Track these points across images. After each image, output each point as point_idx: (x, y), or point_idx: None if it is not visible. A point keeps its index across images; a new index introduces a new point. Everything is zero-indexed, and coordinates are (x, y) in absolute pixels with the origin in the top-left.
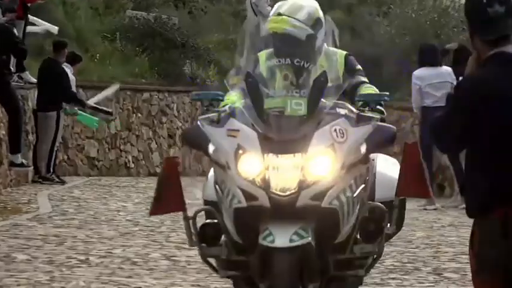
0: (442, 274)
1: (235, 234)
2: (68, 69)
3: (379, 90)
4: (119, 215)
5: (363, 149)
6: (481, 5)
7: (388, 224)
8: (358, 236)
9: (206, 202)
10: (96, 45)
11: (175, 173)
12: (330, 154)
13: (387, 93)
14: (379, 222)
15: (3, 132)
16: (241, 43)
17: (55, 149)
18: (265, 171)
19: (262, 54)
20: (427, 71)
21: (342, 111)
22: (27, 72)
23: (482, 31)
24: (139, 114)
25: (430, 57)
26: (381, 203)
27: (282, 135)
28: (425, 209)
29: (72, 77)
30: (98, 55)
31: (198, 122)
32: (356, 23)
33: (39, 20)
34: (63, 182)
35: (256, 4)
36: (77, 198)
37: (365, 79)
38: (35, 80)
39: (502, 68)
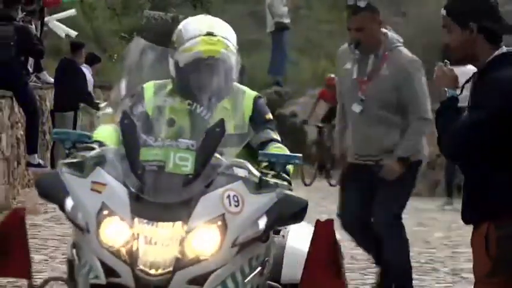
0: (459, 274)
1: None
2: (87, 70)
3: None
4: None
5: (262, 223)
6: (492, 3)
7: None
8: None
9: (69, 262)
10: (114, 45)
11: (22, 228)
12: (219, 227)
13: (299, 155)
14: None
15: (21, 133)
16: (125, 67)
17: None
18: (134, 241)
19: (150, 86)
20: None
21: (241, 173)
22: (44, 72)
23: (499, 29)
24: None
25: None
26: (289, 285)
27: (159, 197)
28: (444, 209)
29: (90, 78)
30: (115, 55)
31: (58, 169)
32: None
33: (59, 24)
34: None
35: (271, 4)
36: None
37: (276, 135)
38: (52, 80)
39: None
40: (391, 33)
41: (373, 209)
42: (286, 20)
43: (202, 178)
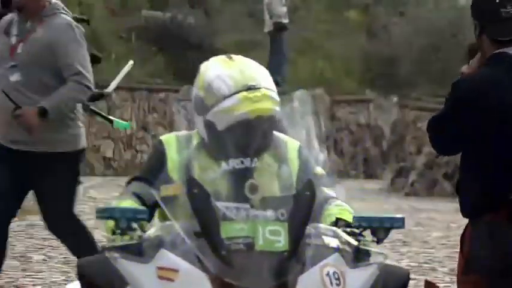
0: None
1: None
2: None
3: (395, 92)
4: None
5: None
6: (494, 5)
7: None
8: None
9: None
10: (112, 45)
11: None
12: None
13: (403, 216)
14: None
15: None
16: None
17: None
18: None
19: (172, 141)
20: None
21: (333, 242)
22: None
23: (494, 31)
24: (155, 114)
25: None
26: None
27: (251, 282)
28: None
29: None
30: (113, 55)
31: (106, 253)
32: (372, 23)
33: None
34: (79, 182)
35: (269, 4)
36: (93, 198)
37: (331, 191)
38: None
39: (503, 68)
40: (56, 1)
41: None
42: (285, 20)
43: (298, 254)
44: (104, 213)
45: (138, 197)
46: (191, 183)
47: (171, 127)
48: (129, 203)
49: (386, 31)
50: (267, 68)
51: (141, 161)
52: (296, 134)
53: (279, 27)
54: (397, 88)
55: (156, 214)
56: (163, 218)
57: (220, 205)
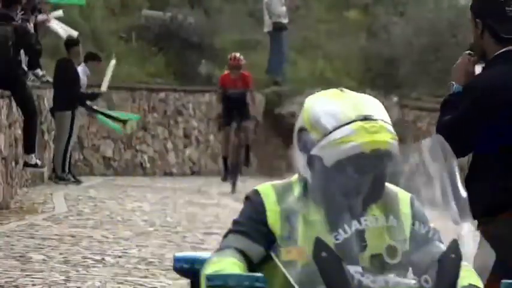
0: None
1: None
2: (83, 69)
3: (395, 92)
4: (135, 215)
5: None
6: (498, 4)
7: None
8: None
9: None
10: (112, 45)
11: None
12: None
13: None
14: None
15: (19, 132)
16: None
17: (69, 148)
18: None
19: (269, 191)
20: None
21: None
22: (38, 70)
23: (502, 29)
24: (155, 114)
25: None
26: None
27: None
28: None
29: (83, 78)
30: (113, 55)
31: None
32: (372, 23)
33: (60, 23)
34: (78, 182)
35: (269, 4)
36: (93, 198)
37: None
38: (50, 79)
39: (510, 67)
40: None
41: None
42: (285, 20)
43: None
44: (217, 281)
45: (242, 254)
46: (319, 245)
47: (170, 126)
48: (233, 262)
49: (386, 31)
50: (267, 67)
51: (141, 161)
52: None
53: (279, 27)
54: (397, 88)
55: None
56: (273, 277)
57: (354, 271)
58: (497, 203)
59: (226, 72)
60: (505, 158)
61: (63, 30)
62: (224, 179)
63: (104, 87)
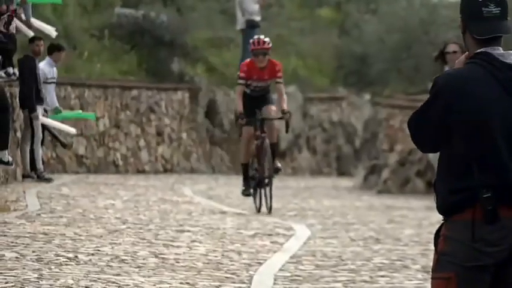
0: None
1: None
2: (47, 63)
3: (367, 89)
4: (107, 212)
5: None
6: (476, 4)
7: None
8: None
9: None
10: (84, 42)
11: None
12: None
13: None
14: None
15: None
16: None
17: (35, 147)
18: None
19: None
20: None
21: None
22: (10, 69)
23: (475, 30)
24: (128, 112)
25: None
26: None
27: None
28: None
29: (50, 70)
30: (86, 53)
31: None
32: (344, 21)
33: (38, 21)
34: (48, 180)
35: (242, 2)
36: (65, 196)
37: None
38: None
39: (482, 68)
40: None
41: None
42: (257, 18)
43: None
44: None
45: None
46: None
47: (143, 124)
48: None
49: (359, 28)
50: (240, 64)
51: (113, 159)
52: None
53: (251, 25)
54: (370, 85)
55: None
56: None
57: None
58: (449, 205)
59: (248, 60)
60: (457, 159)
61: (45, 29)
62: (246, 192)
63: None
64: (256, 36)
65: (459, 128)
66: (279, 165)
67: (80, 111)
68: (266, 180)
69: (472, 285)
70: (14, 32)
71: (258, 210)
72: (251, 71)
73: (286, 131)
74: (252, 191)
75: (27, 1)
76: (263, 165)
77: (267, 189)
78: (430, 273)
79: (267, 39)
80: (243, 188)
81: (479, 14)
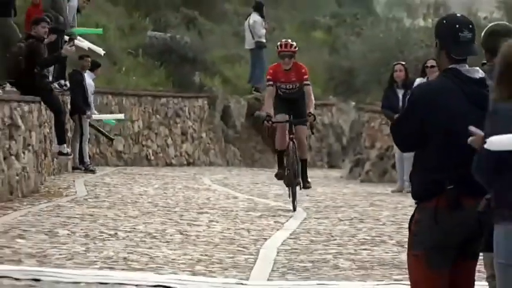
0: (404, 246)
1: None
2: (88, 75)
3: (353, 97)
4: (141, 198)
5: None
6: (455, 30)
7: None
8: None
9: None
10: (123, 59)
11: None
12: None
13: None
14: None
15: (48, 131)
16: None
17: (83, 145)
18: None
19: None
20: None
21: None
22: (62, 81)
23: (455, 51)
24: (158, 116)
25: None
26: None
27: None
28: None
29: (90, 84)
30: (124, 68)
31: None
32: (334, 41)
33: (89, 43)
34: (93, 171)
35: (253, 26)
36: (107, 184)
37: None
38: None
39: (452, 81)
40: None
41: None
42: (264, 40)
43: None
44: None
45: None
46: None
47: (170, 126)
48: None
49: (346, 48)
50: (249, 77)
51: (146, 154)
52: None
53: (259, 46)
54: (355, 94)
55: None
56: None
57: None
58: (420, 193)
59: (275, 64)
60: (430, 157)
61: (95, 47)
62: (278, 176)
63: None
64: (284, 40)
65: (432, 134)
66: (309, 181)
67: (122, 114)
68: (297, 180)
69: (436, 261)
70: (64, 52)
71: (294, 209)
72: (277, 73)
73: (312, 133)
74: (286, 174)
75: (76, 33)
76: (293, 170)
77: (295, 189)
78: (406, 247)
79: (293, 43)
80: (278, 170)
81: (456, 39)
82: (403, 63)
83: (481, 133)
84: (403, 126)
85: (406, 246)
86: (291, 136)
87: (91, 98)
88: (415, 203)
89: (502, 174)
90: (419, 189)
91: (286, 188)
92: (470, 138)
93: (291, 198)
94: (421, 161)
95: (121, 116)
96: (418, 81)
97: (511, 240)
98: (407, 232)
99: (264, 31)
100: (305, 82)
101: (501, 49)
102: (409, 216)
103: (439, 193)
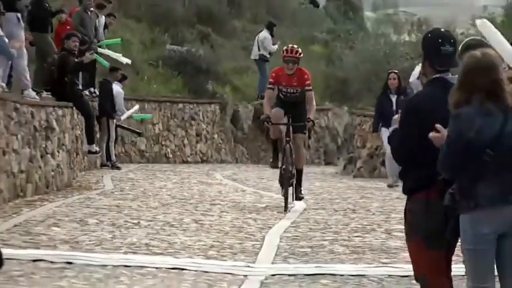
0: (391, 233)
1: None
2: (118, 85)
3: (346, 103)
4: (161, 191)
5: None
6: (437, 43)
7: None
8: None
9: None
10: (145, 70)
11: None
12: None
13: None
14: None
15: (79, 132)
16: None
17: (110, 144)
18: None
19: None
20: None
21: None
22: (91, 88)
23: (437, 63)
24: (176, 119)
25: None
26: None
27: None
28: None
29: (120, 91)
30: (145, 77)
31: None
32: (330, 54)
33: (115, 53)
34: (119, 168)
35: (262, 41)
36: (131, 179)
37: None
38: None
39: (440, 90)
40: None
41: None
42: (268, 55)
43: None
44: None
45: None
46: None
47: (186, 128)
48: None
49: (341, 60)
50: (258, 86)
51: (165, 153)
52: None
53: (263, 59)
54: (348, 100)
55: None
56: None
57: None
58: (412, 187)
59: (279, 67)
60: (424, 156)
61: (122, 59)
62: (273, 164)
63: (123, 117)
64: (290, 45)
65: (426, 138)
66: (302, 193)
67: (151, 114)
68: (291, 181)
69: (433, 244)
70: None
71: (286, 209)
72: (279, 77)
73: (309, 137)
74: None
75: (102, 44)
76: (290, 171)
77: (291, 187)
78: (393, 235)
79: (299, 49)
80: (271, 160)
81: (438, 51)
82: (396, 71)
83: (445, 132)
84: (402, 134)
85: (394, 234)
86: (287, 139)
87: (122, 104)
88: (407, 196)
89: (464, 169)
90: (413, 184)
91: (280, 187)
92: (431, 134)
93: (283, 197)
94: (414, 160)
95: (150, 116)
96: (417, 69)
97: (477, 228)
98: (395, 221)
99: (275, 47)
100: (307, 88)
101: (463, 59)
102: (396, 207)
103: (431, 185)
